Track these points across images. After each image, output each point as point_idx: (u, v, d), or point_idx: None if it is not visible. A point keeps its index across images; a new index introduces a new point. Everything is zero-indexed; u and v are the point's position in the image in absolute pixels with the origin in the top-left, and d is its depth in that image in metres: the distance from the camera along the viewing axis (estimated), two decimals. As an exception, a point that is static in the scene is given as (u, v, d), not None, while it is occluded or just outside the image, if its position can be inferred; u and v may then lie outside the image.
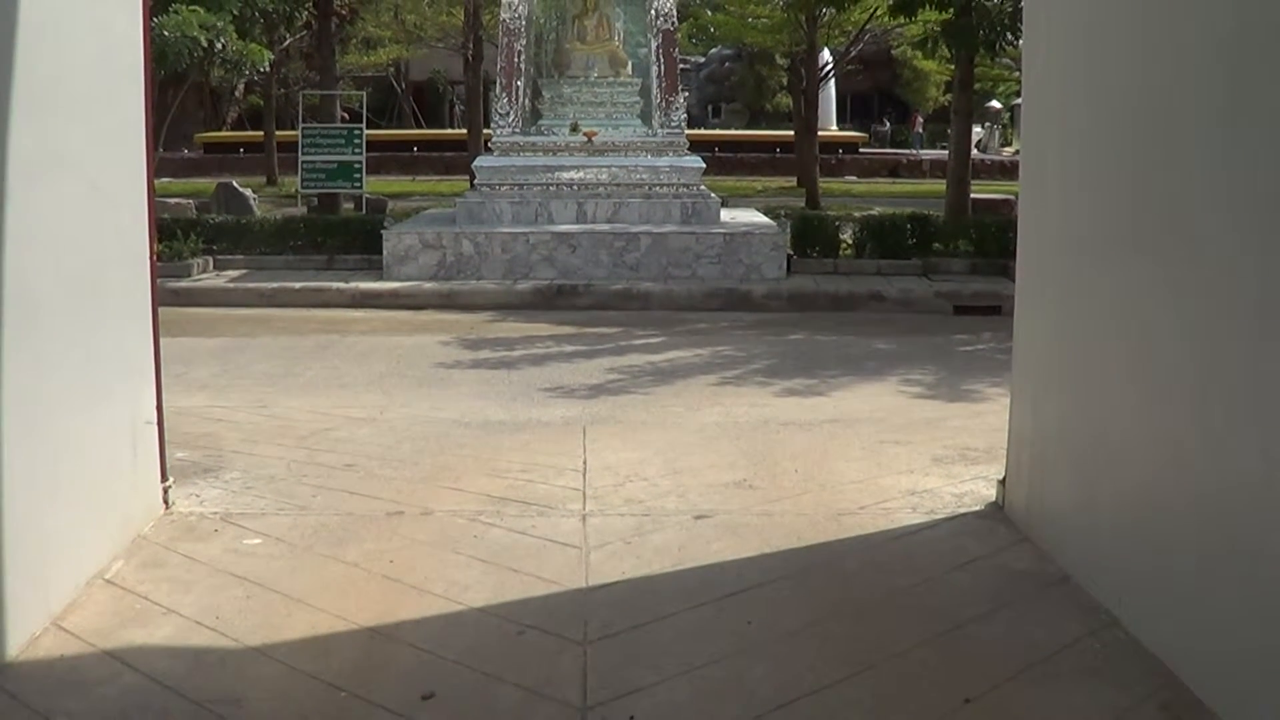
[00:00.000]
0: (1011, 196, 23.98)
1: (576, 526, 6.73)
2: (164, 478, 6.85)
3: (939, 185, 28.78)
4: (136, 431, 6.43)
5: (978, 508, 7.08)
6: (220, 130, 54.13)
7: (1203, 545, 4.62)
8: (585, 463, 8.15)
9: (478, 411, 10.57)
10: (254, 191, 28.90)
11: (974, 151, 31.64)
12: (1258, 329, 4.24)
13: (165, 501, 6.84)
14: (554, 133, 21.70)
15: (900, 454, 8.50)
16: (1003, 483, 7.02)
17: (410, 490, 7.43)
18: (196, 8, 21.83)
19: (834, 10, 29.33)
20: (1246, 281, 4.32)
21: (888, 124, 64.01)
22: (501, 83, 21.64)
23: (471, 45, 34.92)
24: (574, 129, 21.46)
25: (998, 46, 21.87)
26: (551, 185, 20.76)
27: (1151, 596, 5.03)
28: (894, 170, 47.94)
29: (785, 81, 50.91)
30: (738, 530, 6.68)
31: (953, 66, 26.63)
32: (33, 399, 5.09)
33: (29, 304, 5.06)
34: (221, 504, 7.07)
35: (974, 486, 7.46)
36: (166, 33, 20.74)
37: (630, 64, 22.83)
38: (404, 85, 61.49)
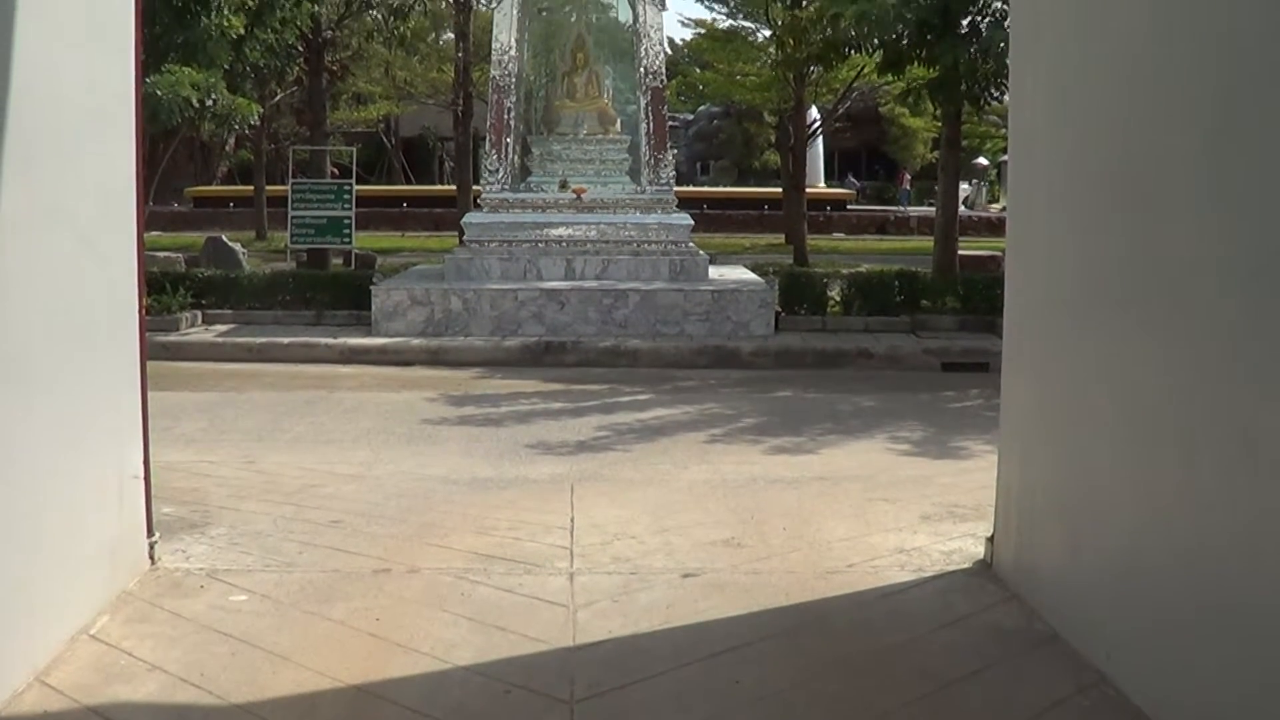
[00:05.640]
0: (999, 253, 24.09)
1: (564, 585, 6.71)
2: (150, 533, 6.83)
3: (927, 242, 28.89)
4: (123, 486, 6.42)
5: (966, 565, 7.07)
6: (210, 184, 54.35)
7: (1191, 601, 4.61)
8: (573, 520, 8.13)
9: (465, 468, 10.55)
10: (243, 246, 28.94)
11: (961, 208, 31.78)
12: (1244, 385, 4.25)
13: (151, 557, 6.81)
14: (543, 189, 21.77)
15: (888, 511, 8.50)
16: (991, 540, 7.01)
17: (397, 547, 7.41)
18: (188, 66, 21.90)
19: (822, 68, 29.50)
20: (1233, 338, 4.33)
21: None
22: (491, 139, 21.72)
23: (462, 102, 35.17)
24: (563, 186, 21.53)
25: (982, 102, 22.02)
26: (540, 242, 20.80)
27: (1140, 653, 5.02)
28: (882, 227, 48.21)
29: (773, 139, 51.15)
30: (726, 589, 6.66)
31: (940, 124, 26.77)
32: (19, 451, 5.08)
33: (16, 356, 5.06)
34: (208, 560, 7.05)
35: (962, 544, 7.45)
36: (159, 92, 20.79)
37: (619, 121, 22.93)
38: (394, 141, 61.85)
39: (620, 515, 8.32)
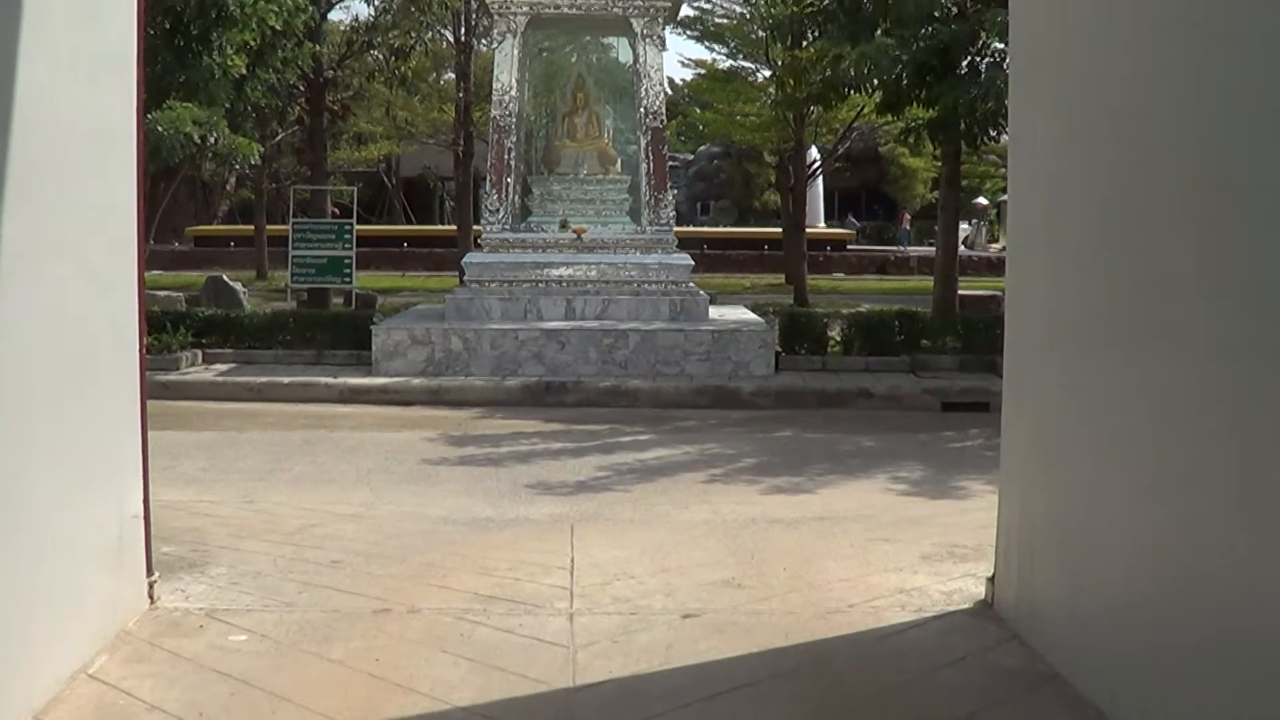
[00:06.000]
0: (999, 293, 24.09)
1: (564, 625, 6.69)
2: (149, 572, 6.82)
3: (927, 282, 28.92)
4: (123, 525, 6.41)
5: (967, 605, 7.06)
6: (211, 223, 54.45)
7: (1193, 640, 4.61)
8: (573, 561, 8.12)
9: (465, 509, 10.54)
10: (244, 285, 29.00)
11: (961, 248, 31.83)
12: (1245, 422, 4.25)
13: (150, 596, 6.80)
14: (543, 229, 21.78)
15: (888, 552, 8.49)
16: (992, 580, 7.00)
17: (397, 588, 7.40)
18: (189, 103, 21.96)
19: (822, 108, 29.56)
20: (1232, 375, 4.34)
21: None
22: (491, 179, 21.74)
23: (462, 142, 35.31)
24: (563, 226, 21.54)
25: (981, 142, 22.05)
26: (541, 282, 20.80)
27: (1141, 692, 5.01)
28: (882, 267, 48.28)
29: (773, 179, 51.30)
30: (726, 629, 6.65)
31: (939, 163, 26.82)
32: (18, 489, 5.08)
33: (17, 393, 5.06)
34: (207, 599, 7.03)
35: (963, 584, 7.44)
36: (160, 128, 20.84)
37: (619, 161, 22.97)
38: (395, 180, 62.02)
39: (620, 556, 8.31)
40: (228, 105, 24.08)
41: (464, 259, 22.22)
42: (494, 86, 22.15)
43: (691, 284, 21.43)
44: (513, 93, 21.65)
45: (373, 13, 34.12)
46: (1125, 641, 5.17)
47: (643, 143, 21.96)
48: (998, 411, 7.18)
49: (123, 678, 5.71)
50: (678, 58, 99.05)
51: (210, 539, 8.58)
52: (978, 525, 8.50)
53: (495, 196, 21.47)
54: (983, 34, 20.41)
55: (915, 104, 22.30)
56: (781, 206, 43.13)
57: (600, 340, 19.22)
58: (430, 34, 35.66)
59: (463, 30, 35.28)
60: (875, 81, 21.62)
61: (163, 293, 26.28)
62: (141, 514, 6.67)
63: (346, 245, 25.39)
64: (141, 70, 6.65)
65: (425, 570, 7.86)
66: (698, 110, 51.60)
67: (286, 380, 18.62)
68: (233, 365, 20.10)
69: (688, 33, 38.99)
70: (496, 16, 21.87)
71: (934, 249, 26.94)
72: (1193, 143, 4.71)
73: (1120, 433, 5.27)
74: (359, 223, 28.08)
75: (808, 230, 37.53)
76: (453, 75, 41.07)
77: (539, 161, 23.21)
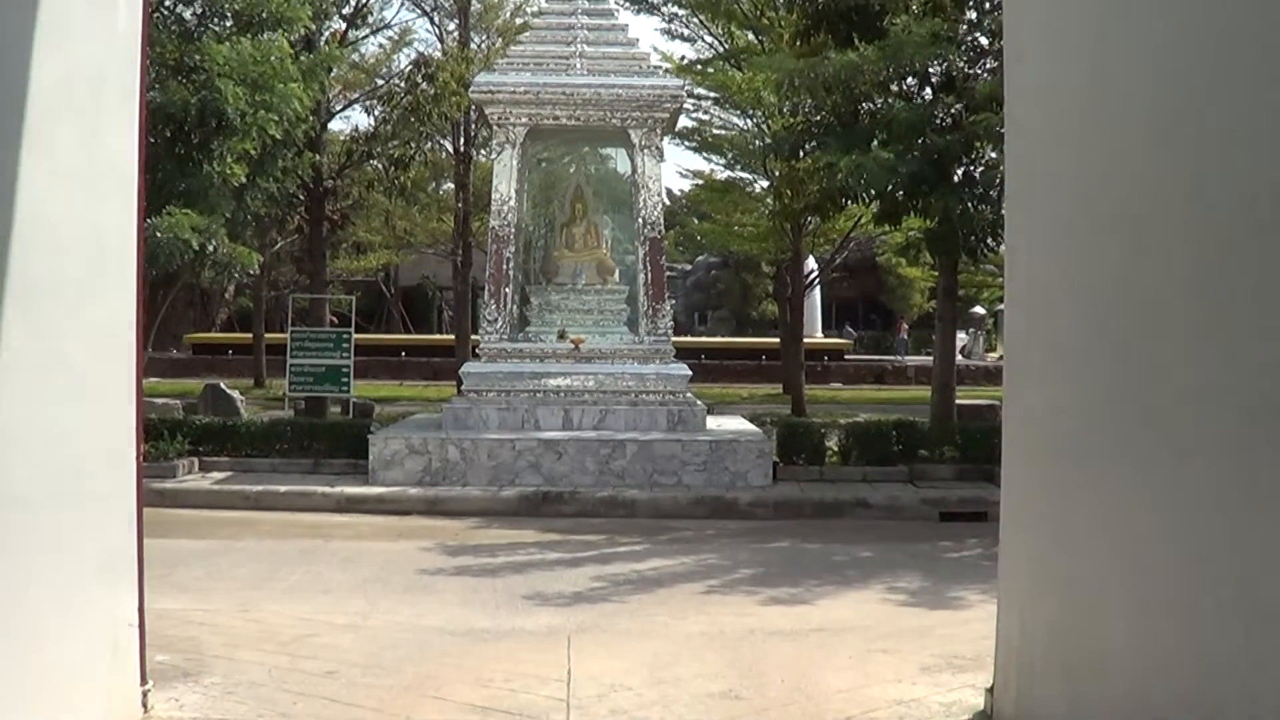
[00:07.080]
0: (996, 402, 24.12)
1: (560, 736, 6.66)
2: (143, 681, 6.78)
3: (924, 391, 28.96)
4: (117, 633, 6.38)
5: (966, 717, 7.03)
6: (209, 331, 54.71)
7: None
8: (569, 672, 8.08)
9: (461, 619, 10.49)
10: (241, 393, 29.01)
11: (959, 357, 31.88)
12: (1245, 535, 4.25)
13: (144, 705, 6.76)
14: (541, 339, 21.81)
15: (887, 663, 8.45)
16: (990, 691, 6.97)
17: (392, 699, 7.36)
18: (189, 210, 22.05)
19: (819, 219, 29.71)
20: (1232, 487, 4.34)
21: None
22: (490, 289, 21.80)
23: (461, 251, 35.45)
24: (561, 336, 21.58)
25: (979, 253, 22.15)
26: (538, 392, 20.80)
27: (1143, 811, 4.97)
28: (879, 377, 48.40)
29: (771, 289, 51.57)
30: (723, 741, 6.61)
31: (937, 273, 26.93)
32: (12, 598, 5.06)
33: (12, 501, 5.06)
34: (201, 709, 6.99)
35: (962, 695, 7.41)
36: (159, 234, 20.90)
37: (617, 271, 23.04)
38: (393, 290, 62.28)
39: (617, 667, 8.28)
40: (228, 215, 24.19)
41: (462, 368, 22.24)
42: (493, 197, 22.27)
43: (689, 394, 21.43)
44: (511, 203, 21.77)
45: (373, 123, 34.44)
46: (1126, 755, 5.13)
47: (641, 253, 22.03)
48: (996, 521, 7.19)
49: (114, 790, 5.66)
50: (676, 168, 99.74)
51: (205, 648, 8.55)
52: (976, 636, 8.47)
53: (493, 306, 21.53)
54: (978, 143, 20.57)
55: (913, 214, 22.43)
56: (779, 316, 43.23)
57: (598, 450, 19.20)
58: (430, 144, 35.92)
59: (462, 141, 35.54)
60: (872, 192, 21.75)
61: (160, 400, 26.29)
62: (136, 622, 6.65)
63: (344, 354, 25.49)
64: (142, 180, 6.71)
65: (421, 681, 7.82)
66: (696, 220, 51.84)
67: (283, 489, 18.59)
68: (230, 473, 20.06)
69: (685, 144, 39.07)
70: (495, 127, 22.05)
71: (931, 358, 27.00)
72: (1189, 252, 4.73)
73: (1120, 545, 5.26)
74: (357, 331, 28.20)
75: (805, 340, 37.63)
76: (452, 185, 41.30)
77: (537, 271, 23.30)
